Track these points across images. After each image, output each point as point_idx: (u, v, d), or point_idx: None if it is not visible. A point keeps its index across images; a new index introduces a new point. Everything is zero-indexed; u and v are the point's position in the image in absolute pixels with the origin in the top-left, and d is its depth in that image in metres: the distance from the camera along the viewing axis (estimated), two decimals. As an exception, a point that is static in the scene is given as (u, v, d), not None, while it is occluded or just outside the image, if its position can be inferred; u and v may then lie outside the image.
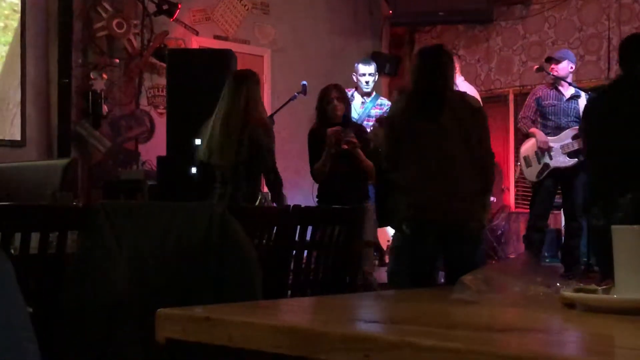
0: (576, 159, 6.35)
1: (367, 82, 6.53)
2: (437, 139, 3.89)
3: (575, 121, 6.41)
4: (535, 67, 6.88)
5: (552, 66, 6.49)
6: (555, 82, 6.54)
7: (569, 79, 6.53)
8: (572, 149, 6.36)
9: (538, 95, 6.58)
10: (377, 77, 6.77)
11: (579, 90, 6.54)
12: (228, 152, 4.58)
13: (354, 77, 6.67)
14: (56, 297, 2.60)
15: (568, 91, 6.51)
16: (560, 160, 6.35)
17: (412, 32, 9.56)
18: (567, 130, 6.41)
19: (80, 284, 2.52)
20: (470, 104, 4.02)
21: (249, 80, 4.71)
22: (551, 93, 6.51)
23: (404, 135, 3.97)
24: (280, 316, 1.39)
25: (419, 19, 8.94)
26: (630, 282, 1.30)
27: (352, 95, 6.43)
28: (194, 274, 2.77)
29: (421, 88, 3.98)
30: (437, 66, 3.97)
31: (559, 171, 6.36)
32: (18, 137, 6.81)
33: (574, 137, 6.38)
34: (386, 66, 9.40)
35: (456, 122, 3.91)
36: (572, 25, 8.41)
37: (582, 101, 6.44)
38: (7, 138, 6.77)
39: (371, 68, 6.62)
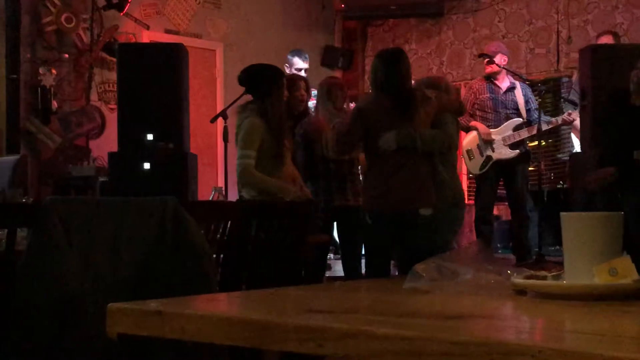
0: (517, 151, 6.43)
1: None
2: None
3: (514, 112, 6.48)
4: (480, 54, 6.93)
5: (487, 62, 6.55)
6: (490, 76, 6.58)
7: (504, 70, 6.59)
8: (513, 140, 6.42)
9: (474, 89, 6.61)
10: None
11: (515, 82, 6.61)
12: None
13: (287, 69, 6.55)
14: (6, 295, 2.55)
15: (504, 83, 6.57)
16: (502, 152, 6.41)
17: (364, 26, 9.60)
18: (508, 122, 6.47)
19: (30, 281, 2.48)
20: (424, 94, 4.40)
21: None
22: (487, 86, 6.55)
23: (376, 128, 4.23)
24: (233, 308, 1.39)
25: (371, 13, 8.99)
26: (579, 268, 1.32)
27: None
28: (147, 269, 2.74)
29: (387, 88, 4.29)
30: (401, 70, 4.29)
31: (501, 163, 6.42)
32: (-35, 134, 6.70)
33: (515, 129, 6.45)
34: (339, 60, 9.42)
35: (423, 118, 4.27)
36: (522, 18, 8.52)
37: (519, 92, 6.53)
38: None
39: (307, 63, 6.56)
